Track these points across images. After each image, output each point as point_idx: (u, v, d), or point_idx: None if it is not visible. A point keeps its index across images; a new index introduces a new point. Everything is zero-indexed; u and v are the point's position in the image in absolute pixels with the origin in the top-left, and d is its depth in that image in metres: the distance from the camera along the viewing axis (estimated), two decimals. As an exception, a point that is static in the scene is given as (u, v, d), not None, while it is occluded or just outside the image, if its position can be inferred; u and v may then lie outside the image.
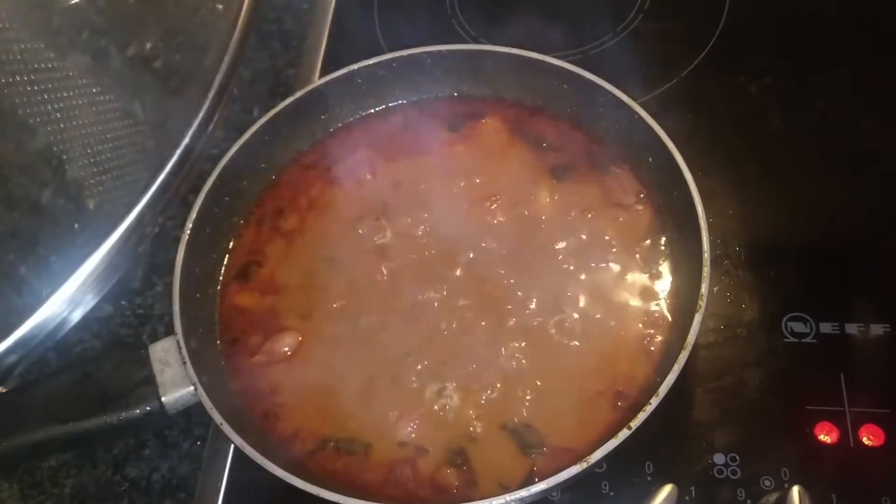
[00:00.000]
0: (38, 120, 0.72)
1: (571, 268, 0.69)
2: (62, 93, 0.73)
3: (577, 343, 0.65)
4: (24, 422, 0.60)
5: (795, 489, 0.59)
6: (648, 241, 0.69)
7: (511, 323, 0.66)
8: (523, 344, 0.65)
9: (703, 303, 0.60)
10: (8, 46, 0.73)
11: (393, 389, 0.65)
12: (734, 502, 0.62)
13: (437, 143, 0.77)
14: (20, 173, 0.72)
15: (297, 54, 0.99)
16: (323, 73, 0.88)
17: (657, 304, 0.66)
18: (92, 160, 0.73)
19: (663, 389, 0.57)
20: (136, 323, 0.83)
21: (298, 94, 0.76)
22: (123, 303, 0.84)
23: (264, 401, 0.66)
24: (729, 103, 0.83)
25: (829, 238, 0.74)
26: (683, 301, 0.65)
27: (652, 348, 0.64)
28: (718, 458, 0.64)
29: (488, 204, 0.72)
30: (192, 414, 0.66)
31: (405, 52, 0.77)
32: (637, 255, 0.69)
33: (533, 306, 0.67)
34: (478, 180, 0.74)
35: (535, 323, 0.66)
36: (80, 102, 0.74)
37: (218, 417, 0.60)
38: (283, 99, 0.76)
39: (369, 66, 0.77)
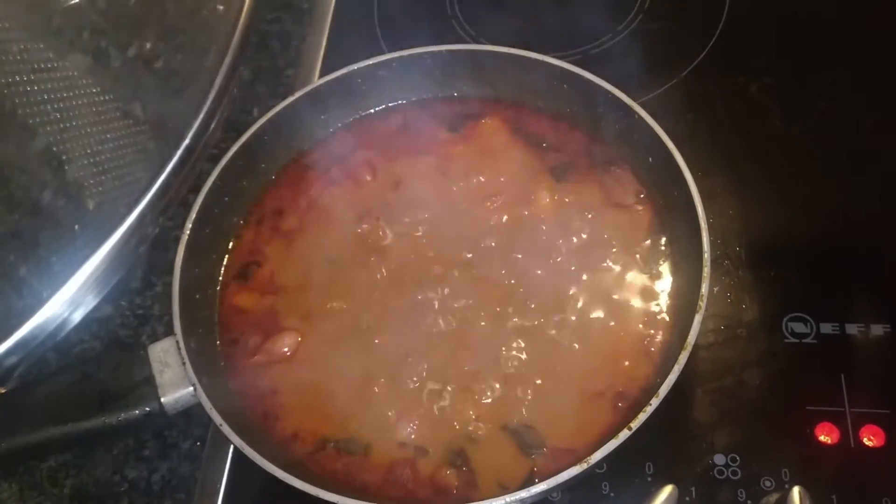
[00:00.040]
0: (38, 120, 0.72)
1: (571, 268, 0.68)
2: (62, 93, 0.73)
3: (577, 343, 0.65)
4: (23, 422, 0.60)
5: (796, 490, 0.59)
6: (648, 241, 0.69)
7: (511, 323, 0.66)
8: (523, 344, 0.65)
9: (703, 303, 0.60)
10: (8, 47, 0.73)
11: (393, 390, 0.65)
12: (734, 503, 0.62)
13: (437, 144, 0.77)
14: (20, 174, 0.72)
15: (296, 54, 0.99)
16: (323, 73, 0.88)
17: (657, 305, 0.66)
18: (92, 161, 0.73)
19: (663, 390, 0.57)
20: (136, 323, 0.83)
21: (298, 94, 0.76)
22: (123, 303, 0.84)
23: (264, 401, 0.66)
24: (729, 103, 0.83)
25: (829, 238, 0.74)
26: (683, 301, 0.65)
27: (652, 349, 0.64)
28: (719, 459, 0.64)
29: (488, 204, 0.72)
30: (191, 414, 0.65)
31: (405, 52, 0.77)
32: (637, 255, 0.69)
33: (533, 306, 0.67)
34: (477, 180, 0.74)
35: (535, 323, 0.66)
36: (80, 103, 0.74)
37: (217, 418, 0.60)
38: (283, 99, 0.76)
39: (369, 66, 0.77)
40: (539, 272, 0.68)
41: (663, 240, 0.69)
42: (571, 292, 0.67)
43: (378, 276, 0.70)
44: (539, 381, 0.64)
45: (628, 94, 0.70)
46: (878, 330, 0.68)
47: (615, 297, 0.67)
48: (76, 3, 0.76)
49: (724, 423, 0.66)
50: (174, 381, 0.62)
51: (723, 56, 0.86)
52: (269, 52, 1.01)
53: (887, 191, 0.76)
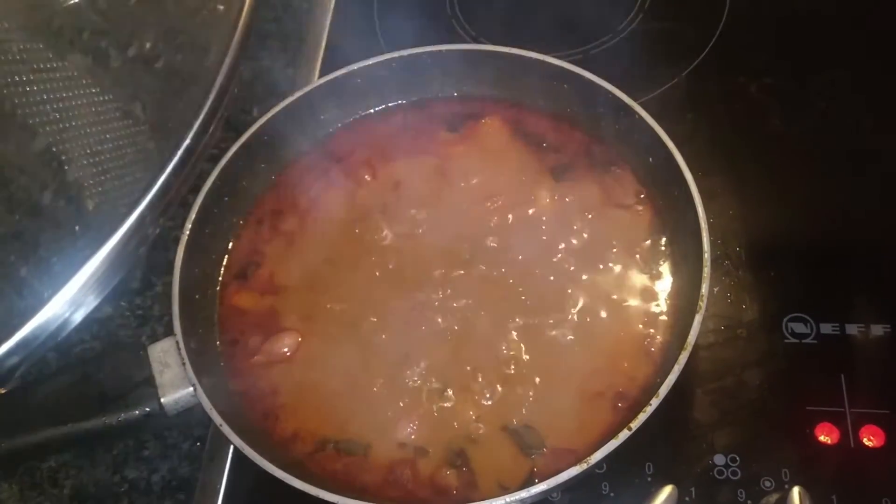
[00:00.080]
0: (38, 121, 0.72)
1: (571, 268, 0.68)
2: (62, 93, 0.73)
3: (577, 344, 0.65)
4: (23, 422, 0.60)
5: (796, 490, 0.59)
6: (648, 242, 0.69)
7: (511, 323, 0.66)
8: (523, 344, 0.65)
9: (703, 303, 0.60)
10: (8, 47, 0.73)
11: (393, 390, 0.65)
12: (734, 503, 0.62)
13: (437, 144, 0.77)
14: (21, 175, 0.72)
15: (296, 54, 0.99)
16: (322, 73, 0.88)
17: (657, 305, 0.66)
18: (92, 161, 0.73)
19: (663, 390, 0.57)
20: (136, 324, 0.83)
21: (298, 95, 0.76)
22: (123, 303, 0.84)
23: (264, 401, 0.66)
24: (729, 103, 0.83)
25: (829, 238, 0.74)
26: (684, 301, 0.65)
27: (652, 349, 0.64)
28: (719, 459, 0.64)
29: (488, 204, 0.72)
30: (191, 415, 0.65)
31: (405, 52, 0.77)
32: (637, 256, 0.69)
33: (533, 306, 0.67)
34: (477, 180, 0.74)
35: (535, 323, 0.66)
36: (80, 103, 0.74)
37: (217, 418, 0.60)
38: (283, 99, 0.76)
39: (369, 66, 0.77)
40: (539, 272, 0.68)
41: (663, 240, 0.69)
42: (571, 292, 0.67)
43: (378, 277, 0.70)
44: (539, 382, 0.64)
45: (628, 94, 0.70)
46: (878, 330, 0.68)
47: (615, 297, 0.67)
48: (76, 3, 0.76)
49: (724, 424, 0.66)
50: (174, 381, 0.62)
51: (723, 56, 0.86)
52: (269, 52, 1.01)
53: (887, 191, 0.76)
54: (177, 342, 0.63)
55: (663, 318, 0.66)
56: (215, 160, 0.72)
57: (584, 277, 0.68)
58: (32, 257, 0.69)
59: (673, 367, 0.58)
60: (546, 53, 0.74)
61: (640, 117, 0.69)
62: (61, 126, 0.72)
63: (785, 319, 0.70)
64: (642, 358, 0.64)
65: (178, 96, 0.75)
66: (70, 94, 0.74)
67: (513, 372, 0.64)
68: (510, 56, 0.75)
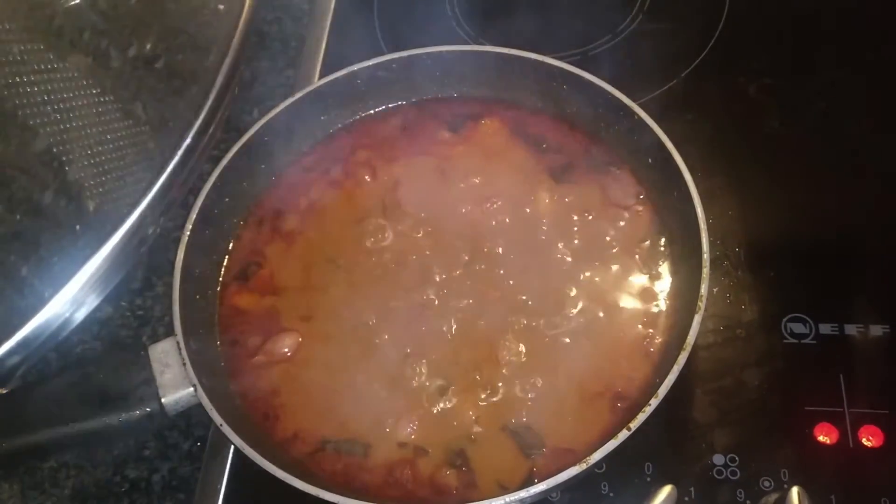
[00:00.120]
0: (39, 121, 0.72)
1: (571, 268, 0.69)
2: (63, 94, 0.73)
3: (576, 344, 0.65)
4: (24, 423, 0.60)
5: (795, 490, 0.60)
6: (648, 242, 0.69)
7: (510, 323, 0.66)
8: (523, 345, 0.65)
9: (702, 304, 0.60)
10: (9, 48, 0.73)
11: (393, 390, 0.65)
12: (734, 503, 0.62)
13: (437, 144, 0.77)
14: (21, 175, 0.72)
15: (296, 55, 0.99)
16: (322, 74, 0.88)
17: (657, 305, 0.66)
18: (93, 161, 0.73)
19: (663, 390, 0.57)
20: (136, 324, 0.84)
21: (298, 95, 0.76)
22: (123, 304, 0.84)
23: (264, 402, 0.66)
24: (728, 104, 0.83)
25: (829, 238, 0.74)
26: (683, 302, 0.65)
27: (651, 349, 0.64)
28: (718, 459, 0.64)
29: (488, 205, 0.72)
30: (191, 415, 0.66)
31: (405, 53, 0.77)
32: (637, 256, 0.69)
33: (532, 307, 0.67)
34: (477, 181, 0.74)
35: (535, 324, 0.66)
36: (80, 103, 0.74)
37: (218, 418, 0.60)
38: (283, 99, 0.76)
39: (369, 66, 0.77)
40: (539, 272, 0.69)
41: (663, 240, 0.69)
42: (571, 293, 0.67)
43: (378, 277, 0.70)
44: (538, 382, 0.64)
45: (628, 95, 0.71)
46: (876, 330, 0.68)
47: (614, 297, 0.67)
48: (76, 4, 0.76)
49: (723, 424, 0.66)
50: (174, 381, 0.62)
51: (723, 56, 0.86)
52: (269, 52, 1.01)
53: (887, 191, 0.76)
54: (177, 342, 0.63)
55: (663, 318, 0.66)
56: (216, 161, 0.72)
57: (584, 278, 0.68)
58: (33, 257, 0.69)
59: (672, 367, 0.58)
60: (546, 54, 0.74)
61: (640, 118, 0.69)
62: (62, 126, 0.72)
63: (784, 320, 0.70)
64: (641, 358, 0.64)
65: (178, 96, 0.75)
66: (71, 94, 0.74)
67: (512, 372, 0.65)
68: (510, 57, 0.75)
